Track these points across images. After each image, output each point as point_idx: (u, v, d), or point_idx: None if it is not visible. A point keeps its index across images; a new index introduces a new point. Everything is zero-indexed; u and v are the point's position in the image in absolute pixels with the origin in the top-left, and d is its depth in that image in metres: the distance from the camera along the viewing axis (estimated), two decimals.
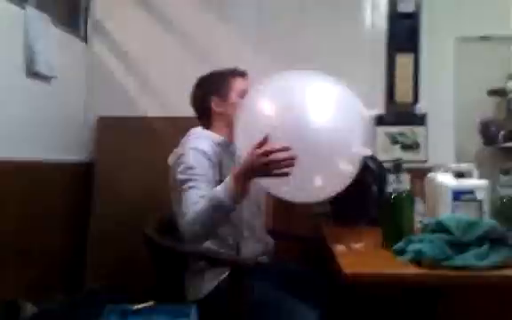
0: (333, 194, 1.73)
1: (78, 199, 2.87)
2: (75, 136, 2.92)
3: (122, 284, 2.62)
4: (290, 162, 1.47)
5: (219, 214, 1.61)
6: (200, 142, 1.80)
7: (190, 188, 1.69)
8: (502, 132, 2.82)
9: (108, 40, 3.09)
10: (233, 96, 1.87)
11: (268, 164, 1.49)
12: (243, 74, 1.92)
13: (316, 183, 1.58)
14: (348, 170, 1.61)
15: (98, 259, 2.79)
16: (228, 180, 1.60)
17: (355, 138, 1.58)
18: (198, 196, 1.65)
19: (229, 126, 1.82)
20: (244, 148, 1.61)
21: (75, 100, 2.96)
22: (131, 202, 2.80)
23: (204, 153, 1.76)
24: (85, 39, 3.07)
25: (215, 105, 1.89)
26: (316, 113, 1.54)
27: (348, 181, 1.68)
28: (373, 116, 1.67)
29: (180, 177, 1.74)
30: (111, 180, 2.87)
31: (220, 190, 1.60)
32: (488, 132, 2.88)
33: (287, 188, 1.62)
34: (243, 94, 1.83)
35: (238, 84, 1.89)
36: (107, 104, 3.04)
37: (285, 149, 1.47)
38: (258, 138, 1.51)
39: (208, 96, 1.90)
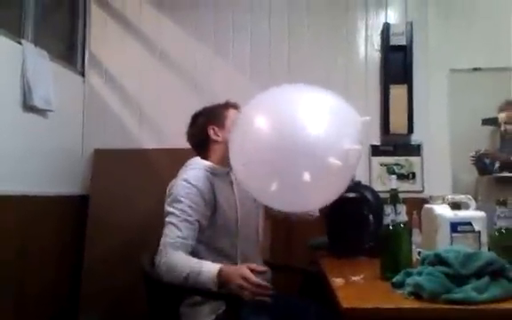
0: (330, 200, 1.69)
1: (73, 231, 2.85)
2: (71, 169, 2.91)
3: (117, 317, 2.59)
4: (259, 294, 1.56)
5: (192, 284, 1.63)
6: (195, 174, 1.80)
7: (170, 223, 1.71)
8: (497, 164, 2.83)
9: (105, 74, 3.13)
10: (229, 123, 1.88)
11: (242, 287, 1.56)
12: (235, 105, 1.95)
13: (310, 185, 1.53)
14: (340, 170, 1.55)
15: (92, 291, 2.75)
16: (215, 269, 1.62)
17: (345, 140, 1.55)
18: (176, 236, 1.68)
19: (227, 154, 1.84)
20: (235, 161, 1.62)
21: (71, 133, 2.97)
22: (126, 234, 2.78)
23: (197, 188, 1.76)
24: (82, 73, 3.10)
25: (213, 133, 1.90)
26: (306, 118, 1.54)
27: (343, 185, 1.65)
28: (367, 122, 1.64)
29: (167, 208, 1.76)
30: (106, 213, 2.86)
31: (204, 271, 1.62)
32: (482, 164, 2.90)
33: (281, 198, 1.61)
34: None
35: (232, 113, 1.92)
36: (103, 136, 3.06)
37: (265, 288, 1.58)
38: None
39: (205, 126, 1.92)
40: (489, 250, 1.54)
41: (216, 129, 1.90)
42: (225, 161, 1.85)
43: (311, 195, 1.59)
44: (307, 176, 1.50)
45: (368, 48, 3.08)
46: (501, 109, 2.96)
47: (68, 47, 3.10)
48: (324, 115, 1.57)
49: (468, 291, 1.26)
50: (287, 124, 1.53)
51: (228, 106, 1.95)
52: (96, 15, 3.15)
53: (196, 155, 1.95)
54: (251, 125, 1.60)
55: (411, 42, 2.95)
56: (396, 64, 2.97)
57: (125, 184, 2.88)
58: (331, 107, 1.61)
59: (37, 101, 2.46)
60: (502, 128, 2.96)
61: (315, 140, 1.49)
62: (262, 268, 1.66)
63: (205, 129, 1.91)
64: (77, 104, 3.04)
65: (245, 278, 1.56)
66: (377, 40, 3.07)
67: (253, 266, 1.63)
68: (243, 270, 1.59)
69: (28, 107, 2.44)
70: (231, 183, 1.85)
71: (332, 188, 1.63)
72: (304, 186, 1.51)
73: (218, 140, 1.89)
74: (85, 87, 3.10)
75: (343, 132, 1.55)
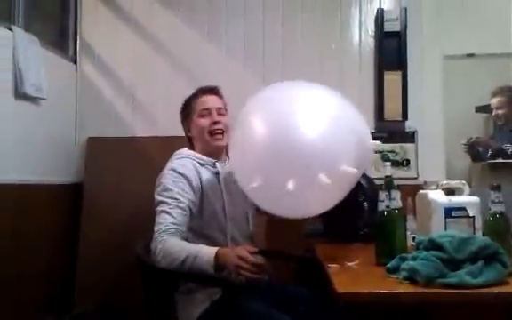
0: (323, 210, 1.69)
1: (67, 220, 2.83)
2: (64, 157, 2.89)
3: (112, 306, 2.59)
4: (256, 273, 1.57)
5: (189, 268, 1.63)
6: (182, 163, 1.82)
7: (163, 211, 1.72)
8: (490, 151, 2.85)
9: (98, 61, 3.09)
10: (195, 117, 1.92)
11: (239, 267, 1.56)
12: (206, 91, 1.96)
13: (305, 197, 1.53)
14: (333, 185, 1.54)
15: (87, 279, 2.75)
16: (213, 252, 1.62)
17: (345, 156, 1.54)
18: (170, 223, 1.69)
19: (204, 146, 1.90)
20: (235, 163, 1.62)
21: (64, 121, 2.94)
22: (120, 222, 2.77)
23: (184, 176, 1.77)
24: (74, 60, 3.07)
25: (187, 130, 1.97)
26: (308, 126, 1.51)
27: (339, 197, 1.64)
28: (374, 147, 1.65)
29: (157, 197, 1.77)
30: (101, 201, 2.85)
31: (201, 254, 1.62)
32: (475, 152, 2.92)
33: (279, 203, 1.60)
34: (203, 113, 1.90)
35: (200, 103, 1.93)
36: (96, 125, 3.03)
37: (262, 267, 1.59)
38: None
39: (182, 123, 1.99)
40: (483, 235, 1.55)
41: (187, 125, 1.95)
42: (209, 152, 1.87)
43: (308, 204, 1.59)
44: (300, 188, 1.48)
45: (362, 34, 3.06)
46: (494, 95, 2.97)
47: (60, 34, 3.06)
48: (336, 128, 1.54)
49: (462, 275, 1.27)
50: (288, 130, 1.50)
51: (197, 95, 1.97)
52: (87, 0, 3.10)
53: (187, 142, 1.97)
54: (254, 131, 1.58)
55: (405, 28, 2.94)
56: (391, 50, 2.96)
57: (119, 172, 2.87)
58: (346, 124, 1.58)
59: (29, 89, 2.43)
60: (494, 113, 2.97)
61: (315, 152, 1.47)
62: (255, 248, 1.67)
63: (183, 125, 1.99)
64: (70, 92, 3.01)
65: (242, 258, 1.57)
66: (371, 26, 3.05)
67: (248, 247, 1.64)
68: (239, 251, 1.60)
69: (20, 94, 2.41)
70: (217, 174, 1.86)
71: (328, 198, 1.63)
72: (300, 195, 1.51)
73: (191, 135, 1.95)
74: (78, 74, 3.07)
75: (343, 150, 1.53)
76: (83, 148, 3.00)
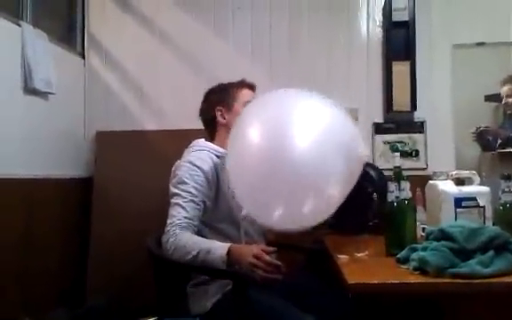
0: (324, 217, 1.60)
1: (77, 214, 2.85)
2: (73, 151, 2.91)
3: (123, 300, 2.61)
4: (273, 273, 1.55)
5: (201, 263, 1.62)
6: (199, 156, 1.80)
7: (177, 204, 1.71)
8: (499, 140, 2.83)
9: (106, 55, 3.10)
10: (238, 106, 1.86)
11: (255, 266, 1.55)
12: (250, 86, 1.92)
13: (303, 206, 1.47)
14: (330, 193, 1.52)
15: (99, 273, 2.77)
16: (225, 248, 1.61)
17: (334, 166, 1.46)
18: (183, 217, 1.68)
19: None
20: (231, 165, 1.58)
21: (73, 116, 2.96)
22: (131, 215, 2.78)
23: (201, 169, 1.76)
24: (82, 55, 3.08)
25: (220, 115, 1.89)
26: (302, 137, 1.44)
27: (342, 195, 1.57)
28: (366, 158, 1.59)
29: (172, 189, 1.76)
30: (111, 194, 2.86)
31: (214, 249, 1.61)
32: (484, 141, 2.89)
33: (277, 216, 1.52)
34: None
35: (244, 95, 1.89)
36: (105, 119, 3.05)
37: (277, 267, 1.56)
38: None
39: (213, 106, 1.90)
40: (493, 224, 1.55)
41: (223, 110, 1.88)
42: None
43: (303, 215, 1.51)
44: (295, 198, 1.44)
45: (370, 24, 3.04)
46: (504, 83, 2.94)
47: (68, 28, 3.07)
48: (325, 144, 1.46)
49: (472, 265, 1.26)
50: (282, 144, 1.43)
51: (241, 85, 1.91)
52: None
53: (205, 133, 1.94)
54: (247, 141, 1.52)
55: (413, 17, 2.91)
56: (399, 40, 2.94)
57: (128, 165, 2.88)
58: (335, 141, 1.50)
59: (38, 84, 2.45)
60: (504, 101, 2.95)
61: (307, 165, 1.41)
62: (272, 248, 1.66)
63: (213, 109, 1.90)
64: (78, 86, 3.03)
65: (257, 257, 1.56)
66: (379, 16, 3.03)
67: (264, 247, 1.63)
68: (254, 249, 1.59)
69: (29, 89, 2.43)
70: None
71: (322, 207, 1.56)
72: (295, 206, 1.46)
73: (223, 122, 1.88)
74: (86, 69, 3.08)
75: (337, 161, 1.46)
76: (92, 142, 3.02)
